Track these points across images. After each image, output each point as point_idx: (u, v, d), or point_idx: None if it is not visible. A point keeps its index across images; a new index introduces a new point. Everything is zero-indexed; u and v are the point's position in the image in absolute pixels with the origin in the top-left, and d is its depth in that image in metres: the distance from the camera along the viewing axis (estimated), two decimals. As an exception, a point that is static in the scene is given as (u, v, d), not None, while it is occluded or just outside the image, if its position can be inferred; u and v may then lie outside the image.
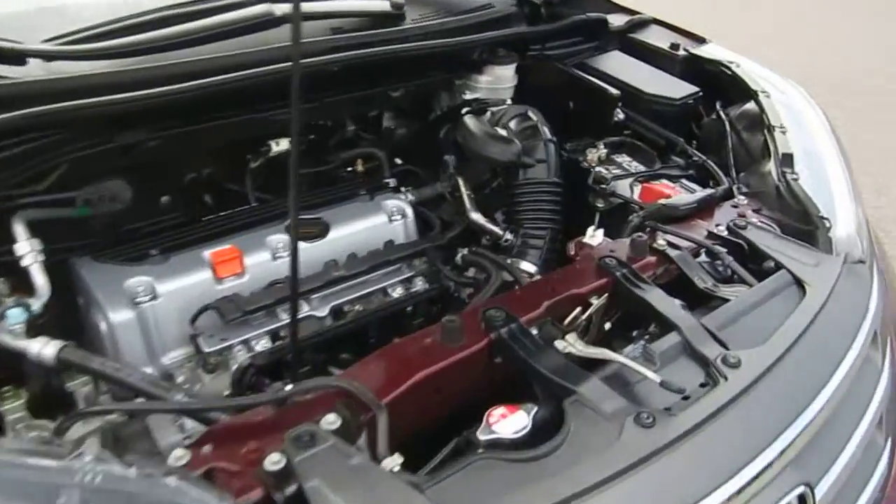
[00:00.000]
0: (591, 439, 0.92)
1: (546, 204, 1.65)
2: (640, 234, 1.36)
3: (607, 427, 0.93)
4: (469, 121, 1.71)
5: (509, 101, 1.87)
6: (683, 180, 1.69)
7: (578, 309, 1.20)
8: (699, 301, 1.26)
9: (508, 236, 1.64)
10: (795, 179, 1.52)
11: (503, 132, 1.70)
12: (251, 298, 1.37)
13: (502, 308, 1.12)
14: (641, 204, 1.58)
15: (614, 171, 1.74)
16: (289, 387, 0.98)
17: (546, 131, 1.75)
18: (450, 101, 1.91)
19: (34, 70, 1.36)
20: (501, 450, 0.91)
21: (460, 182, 1.77)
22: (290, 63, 1.45)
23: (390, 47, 1.64)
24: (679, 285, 1.29)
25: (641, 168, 1.76)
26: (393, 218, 1.63)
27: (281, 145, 1.66)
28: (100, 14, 1.46)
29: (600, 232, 1.45)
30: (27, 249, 1.32)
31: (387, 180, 1.79)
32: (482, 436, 0.93)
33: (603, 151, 1.79)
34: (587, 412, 0.95)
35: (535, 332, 1.12)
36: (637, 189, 1.64)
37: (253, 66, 1.44)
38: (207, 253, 1.43)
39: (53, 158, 1.34)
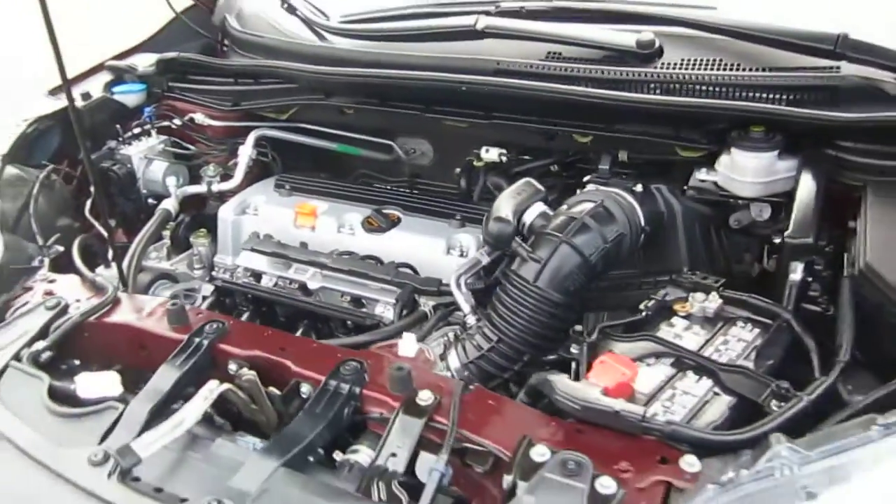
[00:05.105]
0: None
1: (516, 311, 1.29)
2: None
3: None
4: (517, 183, 1.47)
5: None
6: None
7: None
8: None
9: (471, 319, 1.40)
10: None
11: (536, 212, 1.41)
12: (271, 242, 1.67)
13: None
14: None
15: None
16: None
17: (588, 243, 1.30)
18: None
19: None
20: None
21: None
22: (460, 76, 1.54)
23: (596, 91, 1.46)
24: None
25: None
26: (451, 250, 1.60)
27: (490, 153, 1.72)
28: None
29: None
30: (245, 152, 1.92)
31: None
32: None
33: (711, 302, 1.29)
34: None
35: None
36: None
37: (445, 70, 1.60)
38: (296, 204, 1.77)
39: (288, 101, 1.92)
